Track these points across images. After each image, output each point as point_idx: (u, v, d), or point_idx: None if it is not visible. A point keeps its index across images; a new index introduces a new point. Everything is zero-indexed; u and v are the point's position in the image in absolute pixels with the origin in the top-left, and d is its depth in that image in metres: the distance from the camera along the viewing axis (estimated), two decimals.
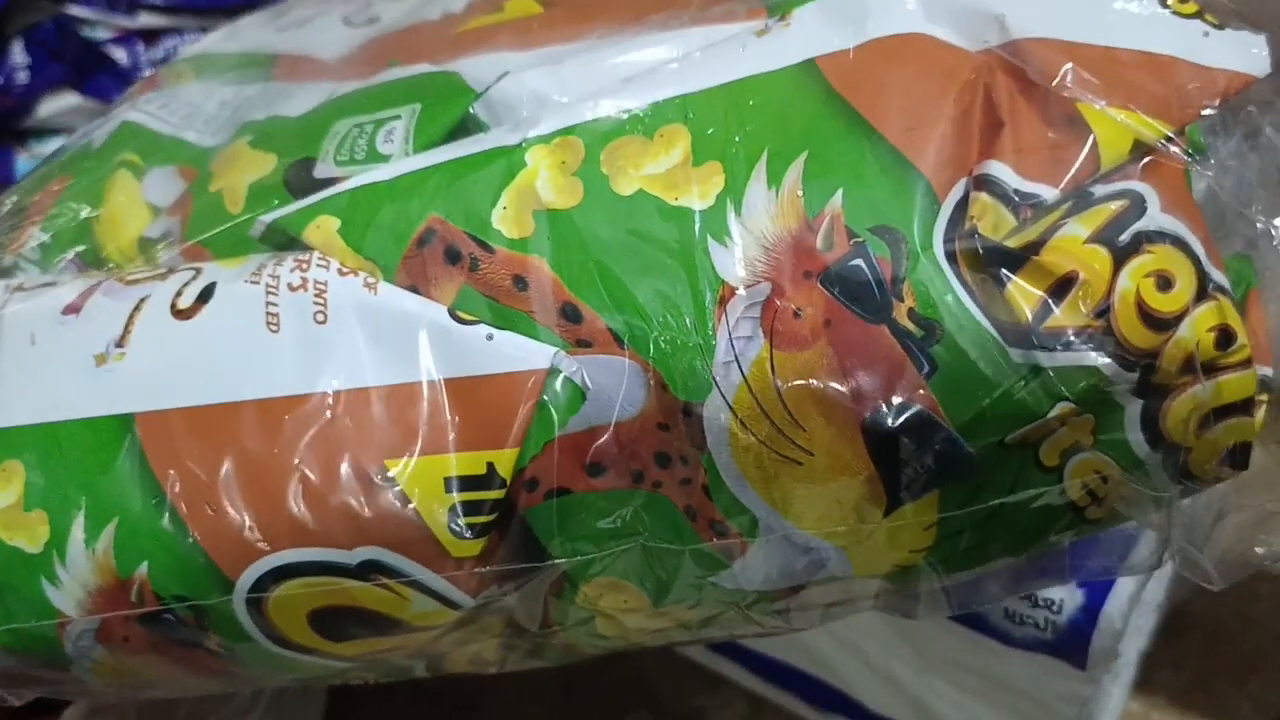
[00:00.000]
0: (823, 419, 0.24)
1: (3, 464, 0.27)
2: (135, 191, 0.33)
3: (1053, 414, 0.23)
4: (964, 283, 0.23)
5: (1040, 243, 0.23)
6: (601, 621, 0.29)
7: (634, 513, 0.26)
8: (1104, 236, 0.23)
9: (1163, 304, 0.23)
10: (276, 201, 0.29)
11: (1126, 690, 0.47)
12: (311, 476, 0.25)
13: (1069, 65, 0.24)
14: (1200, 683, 0.49)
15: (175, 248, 0.30)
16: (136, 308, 0.28)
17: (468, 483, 0.25)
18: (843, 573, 0.27)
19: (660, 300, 0.25)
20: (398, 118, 0.29)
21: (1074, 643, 0.39)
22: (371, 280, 0.26)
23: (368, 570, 0.26)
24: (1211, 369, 0.23)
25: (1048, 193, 0.23)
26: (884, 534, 0.25)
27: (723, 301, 0.24)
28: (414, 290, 0.26)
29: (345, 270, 0.26)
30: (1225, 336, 0.23)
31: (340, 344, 0.26)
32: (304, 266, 0.27)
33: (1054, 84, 0.24)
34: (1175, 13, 0.25)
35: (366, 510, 0.25)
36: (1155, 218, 0.23)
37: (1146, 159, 0.24)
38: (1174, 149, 0.24)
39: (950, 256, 0.23)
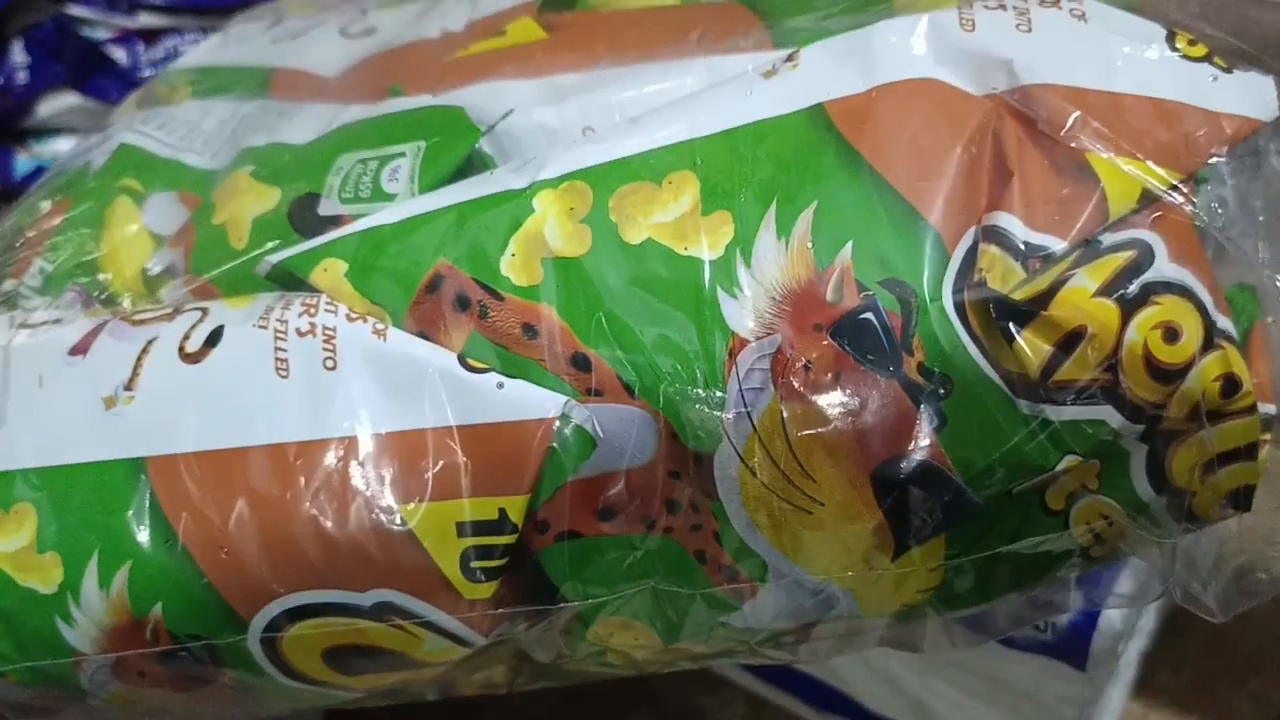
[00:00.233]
0: (832, 470, 0.24)
1: (14, 506, 0.27)
2: (137, 220, 0.33)
3: (1060, 467, 0.24)
4: (973, 335, 0.23)
5: (1049, 295, 0.23)
6: (612, 654, 0.29)
7: (645, 556, 0.26)
8: (1112, 289, 0.23)
9: (1170, 356, 0.23)
10: (280, 240, 0.29)
11: (1126, 691, 0.47)
12: (324, 521, 0.25)
13: (1077, 114, 0.24)
14: (1200, 683, 0.49)
15: (181, 286, 0.30)
16: (144, 350, 0.28)
17: (480, 528, 0.25)
18: (850, 613, 0.27)
19: (670, 351, 0.25)
20: (402, 155, 0.29)
21: (1074, 644, 0.39)
22: (380, 326, 0.26)
23: (381, 611, 0.26)
24: (1217, 416, 0.24)
25: (1056, 244, 0.23)
26: (891, 577, 0.26)
27: (733, 353, 0.24)
28: (423, 336, 0.26)
29: (354, 315, 0.26)
30: (1230, 385, 0.23)
31: (350, 390, 0.26)
32: (312, 311, 0.27)
33: (1063, 133, 0.24)
34: (1185, 56, 0.25)
35: (379, 554, 0.25)
36: (1162, 269, 0.23)
37: (1155, 209, 0.24)
38: (1180, 199, 0.24)
39: (959, 308, 0.24)
